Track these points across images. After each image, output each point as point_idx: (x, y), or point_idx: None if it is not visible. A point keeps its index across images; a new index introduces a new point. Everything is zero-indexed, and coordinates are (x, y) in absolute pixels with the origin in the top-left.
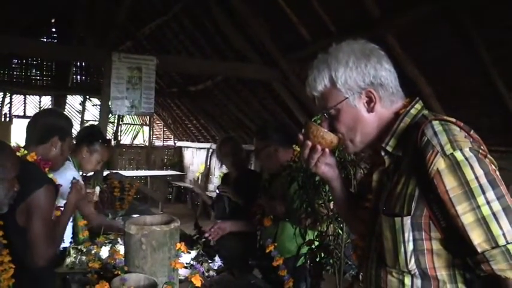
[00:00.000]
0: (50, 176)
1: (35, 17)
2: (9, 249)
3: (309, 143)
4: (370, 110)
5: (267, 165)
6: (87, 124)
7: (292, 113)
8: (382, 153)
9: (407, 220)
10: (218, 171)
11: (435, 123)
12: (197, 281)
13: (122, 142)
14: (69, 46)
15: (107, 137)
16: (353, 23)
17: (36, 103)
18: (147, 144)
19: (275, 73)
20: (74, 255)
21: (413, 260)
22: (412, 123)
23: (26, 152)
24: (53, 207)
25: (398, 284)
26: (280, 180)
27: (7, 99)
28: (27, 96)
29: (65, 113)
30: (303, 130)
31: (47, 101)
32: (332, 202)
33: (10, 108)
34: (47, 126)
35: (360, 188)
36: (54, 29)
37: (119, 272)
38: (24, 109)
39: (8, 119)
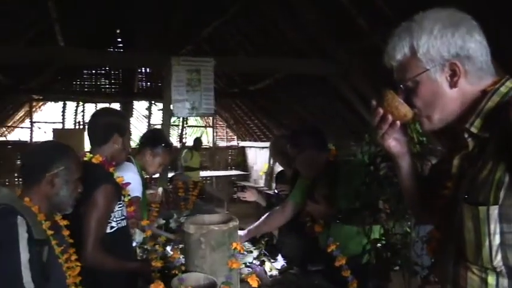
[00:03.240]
0: (115, 175)
1: (101, 29)
2: (77, 248)
3: (381, 111)
4: (453, 84)
5: (304, 172)
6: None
7: (354, 108)
8: (465, 136)
9: (495, 210)
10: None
11: None
12: (253, 281)
13: (186, 144)
14: (130, 54)
15: (169, 141)
16: (413, 9)
17: None
18: (211, 145)
19: (333, 67)
20: (140, 254)
21: (499, 255)
22: (502, 103)
23: (91, 155)
24: (110, 207)
25: (481, 283)
26: (324, 181)
27: (80, 108)
28: (97, 104)
29: (120, 110)
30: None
31: (116, 108)
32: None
33: (83, 116)
34: (106, 126)
35: (432, 175)
36: (119, 39)
37: (176, 272)
38: None
39: (81, 127)
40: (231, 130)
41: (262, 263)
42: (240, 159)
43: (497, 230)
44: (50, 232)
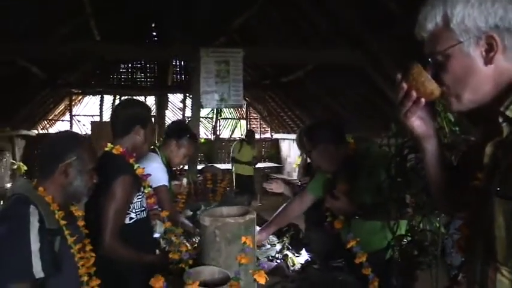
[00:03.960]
0: (135, 166)
1: (136, 23)
2: (92, 239)
3: (405, 86)
4: (489, 61)
5: (322, 166)
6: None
7: (387, 97)
8: (500, 120)
9: None
10: None
11: None
12: (261, 278)
13: (220, 136)
14: (162, 47)
15: (194, 132)
16: None
17: None
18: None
19: (365, 57)
20: (164, 246)
21: None
22: None
23: (112, 145)
24: (128, 198)
25: (511, 286)
26: (345, 175)
27: (117, 101)
28: (134, 97)
29: (143, 102)
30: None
31: (151, 101)
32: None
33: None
34: (128, 117)
35: (462, 163)
36: (154, 33)
37: (183, 265)
38: None
39: None
40: (264, 122)
41: (286, 257)
42: (273, 151)
43: None
44: (63, 222)
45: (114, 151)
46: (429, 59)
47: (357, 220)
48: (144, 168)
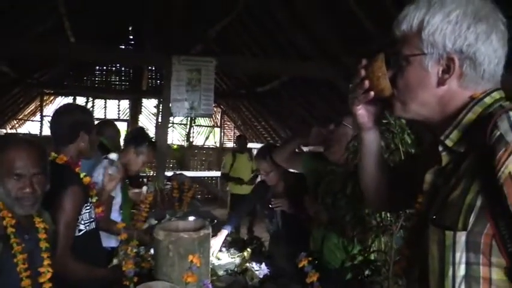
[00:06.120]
0: (82, 175)
1: (112, 26)
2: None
3: (363, 73)
4: (442, 82)
5: (336, 149)
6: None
7: None
8: (440, 149)
9: (462, 236)
10: None
11: None
12: None
13: (194, 143)
14: (135, 52)
15: (153, 139)
16: None
17: (115, 107)
18: (218, 145)
19: (339, 71)
20: (122, 257)
21: None
22: (484, 115)
23: (56, 155)
24: (78, 210)
25: None
26: (325, 184)
27: (90, 104)
28: (107, 100)
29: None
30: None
31: (125, 105)
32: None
33: (92, 111)
34: (72, 124)
35: (403, 167)
36: (131, 37)
37: (127, 283)
38: (105, 112)
39: None
40: (238, 131)
41: (245, 271)
42: None
43: (463, 260)
44: (11, 230)
45: (58, 161)
46: (391, 59)
47: (329, 230)
48: (89, 177)
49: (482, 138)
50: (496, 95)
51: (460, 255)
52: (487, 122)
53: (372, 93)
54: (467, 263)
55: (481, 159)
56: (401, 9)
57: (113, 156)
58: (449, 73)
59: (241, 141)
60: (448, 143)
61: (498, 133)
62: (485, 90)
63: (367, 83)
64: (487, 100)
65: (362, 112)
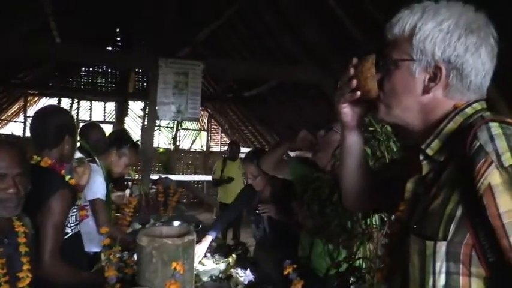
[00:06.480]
0: (67, 178)
1: (99, 27)
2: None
3: (352, 72)
4: (427, 90)
5: (324, 155)
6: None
7: None
8: (421, 157)
9: (442, 246)
10: None
11: (493, 124)
12: None
13: (180, 147)
14: (122, 54)
15: (136, 141)
16: None
17: (101, 108)
18: (204, 149)
19: (327, 76)
20: (105, 261)
21: None
22: (465, 125)
23: (39, 158)
24: (67, 213)
25: None
26: (312, 190)
27: (75, 105)
28: (93, 102)
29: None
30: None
31: (111, 107)
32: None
33: (77, 113)
34: (58, 128)
35: (386, 171)
36: (118, 38)
37: None
38: (90, 114)
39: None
40: (225, 135)
41: (229, 277)
42: None
43: (443, 269)
44: None
45: (42, 164)
46: (382, 62)
47: (316, 238)
48: (73, 179)
49: (463, 149)
50: (478, 105)
51: (440, 265)
52: (468, 132)
53: (358, 93)
54: (448, 273)
55: (461, 169)
56: (387, 16)
57: (78, 155)
58: (435, 81)
59: (233, 148)
60: (429, 152)
61: (478, 144)
62: (468, 100)
63: (354, 82)
64: (468, 110)
65: (347, 111)
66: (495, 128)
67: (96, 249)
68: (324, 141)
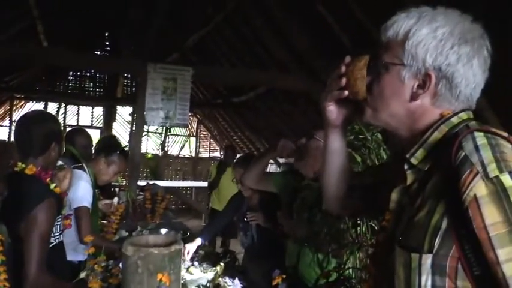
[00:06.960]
0: (52, 186)
1: (88, 31)
2: (7, 267)
3: (342, 71)
4: (415, 97)
5: (307, 163)
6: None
7: None
8: (405, 167)
9: (428, 259)
10: None
11: (478, 134)
12: None
13: (169, 153)
14: (110, 58)
15: (125, 149)
16: None
17: (89, 113)
18: (193, 155)
19: (316, 83)
20: (89, 271)
21: None
22: (450, 134)
23: (23, 165)
24: (53, 223)
25: None
26: (301, 199)
27: (62, 110)
28: (80, 106)
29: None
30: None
31: (99, 112)
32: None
33: (64, 118)
34: (44, 135)
35: (370, 175)
36: (107, 43)
37: None
38: (78, 119)
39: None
40: (214, 141)
41: (217, 286)
42: None
43: (429, 283)
44: None
45: (27, 171)
46: (373, 64)
47: (304, 247)
48: (58, 187)
49: (448, 159)
50: (464, 115)
51: (426, 278)
52: (453, 141)
53: (346, 92)
54: (433, 286)
55: (446, 180)
56: (377, 24)
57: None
58: (423, 89)
59: (228, 153)
60: (413, 161)
61: (463, 154)
62: (454, 109)
63: (343, 81)
64: (454, 120)
65: (332, 109)
66: (480, 138)
67: (81, 258)
68: (305, 148)
